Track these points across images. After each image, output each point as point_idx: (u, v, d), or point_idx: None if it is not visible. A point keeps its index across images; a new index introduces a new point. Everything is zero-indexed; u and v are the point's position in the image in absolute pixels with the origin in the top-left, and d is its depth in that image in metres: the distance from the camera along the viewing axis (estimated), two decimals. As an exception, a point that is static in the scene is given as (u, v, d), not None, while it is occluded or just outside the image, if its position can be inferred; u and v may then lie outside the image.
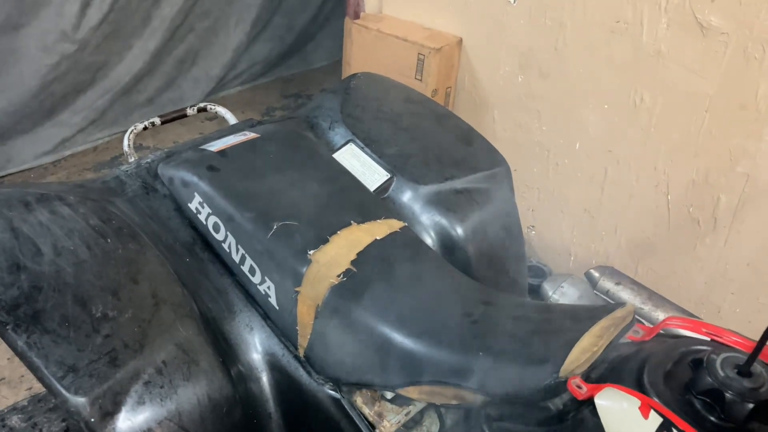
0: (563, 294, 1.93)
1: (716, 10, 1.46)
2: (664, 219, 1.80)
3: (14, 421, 1.09)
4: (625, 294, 1.80)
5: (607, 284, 1.82)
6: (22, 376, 1.83)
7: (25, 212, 0.95)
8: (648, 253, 1.89)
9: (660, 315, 1.72)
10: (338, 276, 0.95)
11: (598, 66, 1.75)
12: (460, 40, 2.01)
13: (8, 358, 1.88)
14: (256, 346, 1.01)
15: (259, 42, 3.34)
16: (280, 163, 1.13)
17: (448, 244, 1.22)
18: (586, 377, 0.75)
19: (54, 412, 1.10)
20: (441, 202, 1.23)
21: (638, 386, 0.71)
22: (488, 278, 1.24)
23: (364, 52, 2.13)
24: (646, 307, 1.74)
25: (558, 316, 0.86)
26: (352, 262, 0.97)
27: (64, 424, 1.08)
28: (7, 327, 0.81)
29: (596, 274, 1.85)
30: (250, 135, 1.19)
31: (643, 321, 1.40)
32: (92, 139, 2.79)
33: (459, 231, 1.21)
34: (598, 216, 1.95)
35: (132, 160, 1.20)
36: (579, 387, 0.72)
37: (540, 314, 0.87)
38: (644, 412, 0.64)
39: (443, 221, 1.22)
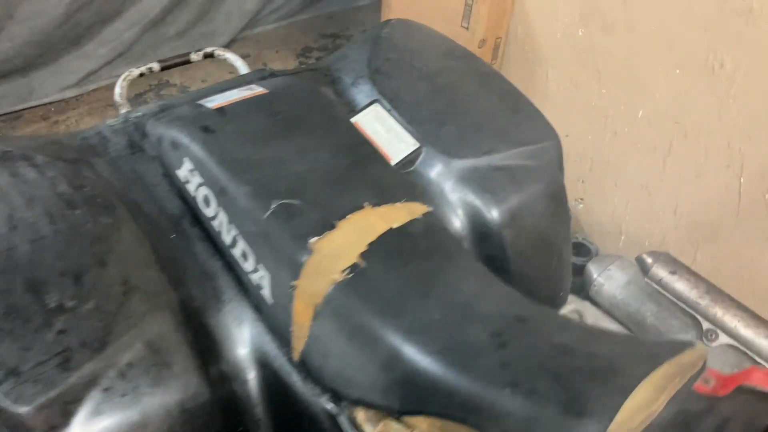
0: (609, 278, 1.74)
1: (829, -37, 1.21)
2: (733, 203, 1.58)
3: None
4: (680, 285, 1.60)
5: (661, 272, 1.63)
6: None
7: (-18, 173, 0.81)
8: (710, 239, 1.69)
9: (718, 311, 1.53)
10: (343, 271, 0.79)
11: (673, 23, 1.51)
12: (516, -15, 1.78)
13: None
14: (245, 342, 0.87)
15: (299, -25, 3.13)
16: (287, 126, 0.96)
17: (481, 230, 1.05)
18: (638, 440, 0.59)
19: None
20: (476, 180, 1.05)
21: (712, 466, 0.54)
22: (525, 272, 1.08)
23: (407, -7, 1.92)
24: (703, 302, 1.54)
25: (609, 349, 0.69)
26: (361, 254, 0.81)
27: None
28: (-60, 317, 0.68)
29: (649, 260, 1.65)
30: (257, 90, 1.02)
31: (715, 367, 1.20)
32: (118, 73, 2.60)
33: (494, 214, 1.04)
34: (657, 193, 1.74)
35: (123, 111, 1.05)
36: (630, 458, 0.56)
37: (586, 344, 0.70)
38: None
39: (477, 202, 1.05)
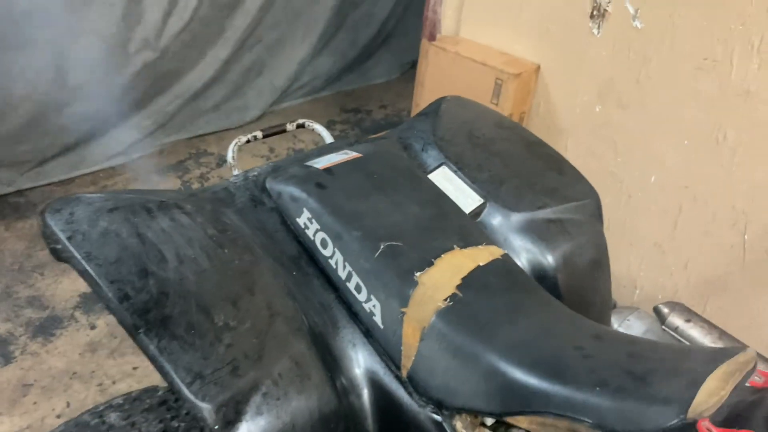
0: (629, 327, 1.91)
1: (815, 54, 1.45)
2: (738, 258, 1.78)
3: (113, 418, 1.12)
4: (695, 332, 1.78)
5: (677, 321, 1.81)
6: (93, 372, 1.87)
7: (149, 219, 0.98)
8: (718, 292, 1.87)
9: (731, 355, 1.70)
10: (444, 300, 0.96)
11: (680, 101, 1.75)
12: (538, 67, 2.02)
13: (79, 353, 1.92)
14: (359, 362, 1.03)
15: (323, 56, 3.40)
16: (382, 183, 1.15)
17: (539, 273, 1.22)
18: (710, 421, 0.75)
19: (150, 413, 1.13)
20: (533, 230, 1.24)
21: (772, 434, 0.71)
22: (576, 309, 1.25)
23: (440, 73, 2.16)
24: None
25: (674, 356, 0.86)
26: (457, 287, 0.98)
27: (161, 425, 1.10)
28: (140, 331, 0.84)
29: (665, 310, 1.83)
30: (352, 154, 1.21)
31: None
32: (159, 143, 2.86)
33: (550, 260, 1.22)
34: (669, 251, 1.94)
35: (236, 172, 1.23)
36: (709, 430, 0.72)
37: (655, 353, 0.87)
38: (786, 461, 0.64)
39: (534, 249, 1.23)
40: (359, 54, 3.59)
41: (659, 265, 1.98)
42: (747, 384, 0.81)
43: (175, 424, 1.12)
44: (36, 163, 2.51)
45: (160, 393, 1.18)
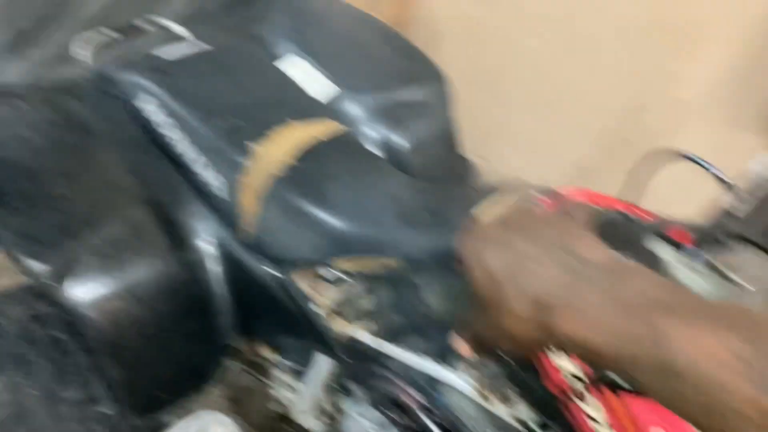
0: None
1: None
2: (604, 144, 1.90)
3: None
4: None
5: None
6: None
7: (-13, 106, 1.02)
8: (591, 181, 2.00)
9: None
10: (280, 168, 1.04)
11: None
12: (416, -28, 2.07)
13: None
14: (205, 232, 1.10)
15: None
16: (227, 69, 1.20)
17: (392, 155, 1.30)
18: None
19: (14, 298, 1.18)
20: (382, 113, 1.31)
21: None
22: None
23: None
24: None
25: (472, 193, 0.96)
26: (294, 157, 1.06)
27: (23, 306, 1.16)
28: (-31, 201, 0.89)
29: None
30: (204, 46, 1.26)
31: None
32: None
33: (401, 141, 1.30)
34: (546, 144, 2.05)
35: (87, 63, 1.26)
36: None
37: (461, 192, 0.98)
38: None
39: (385, 131, 1.30)
40: None
41: (538, 160, 2.09)
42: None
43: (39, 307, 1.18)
44: None
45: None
